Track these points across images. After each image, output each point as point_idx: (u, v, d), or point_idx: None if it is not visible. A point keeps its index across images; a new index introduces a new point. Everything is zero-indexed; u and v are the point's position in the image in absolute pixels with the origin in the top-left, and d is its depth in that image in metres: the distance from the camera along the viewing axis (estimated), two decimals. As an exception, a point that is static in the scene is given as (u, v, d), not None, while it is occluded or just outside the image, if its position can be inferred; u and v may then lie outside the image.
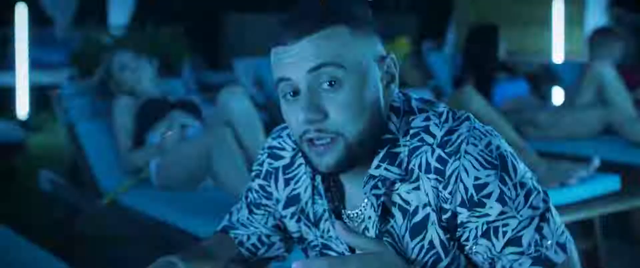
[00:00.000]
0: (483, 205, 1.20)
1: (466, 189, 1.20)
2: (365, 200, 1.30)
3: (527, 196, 1.21)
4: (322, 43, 1.20)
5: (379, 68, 1.26)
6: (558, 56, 8.02)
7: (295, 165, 1.40)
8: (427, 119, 1.26)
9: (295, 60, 1.20)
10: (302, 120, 1.20)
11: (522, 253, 1.21)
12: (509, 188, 1.20)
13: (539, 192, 1.23)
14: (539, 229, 1.21)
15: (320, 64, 1.19)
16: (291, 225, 1.43)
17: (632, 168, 3.65)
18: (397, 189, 1.26)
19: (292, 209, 1.41)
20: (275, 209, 1.45)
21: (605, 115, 4.21)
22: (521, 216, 1.20)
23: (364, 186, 1.26)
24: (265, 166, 1.44)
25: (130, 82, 3.62)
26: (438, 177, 1.22)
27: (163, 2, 11.57)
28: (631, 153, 3.96)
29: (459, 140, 1.21)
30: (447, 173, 1.21)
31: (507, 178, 1.20)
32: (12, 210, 4.42)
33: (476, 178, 1.19)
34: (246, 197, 1.51)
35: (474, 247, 1.24)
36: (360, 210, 1.32)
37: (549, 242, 1.21)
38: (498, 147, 1.22)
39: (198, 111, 3.58)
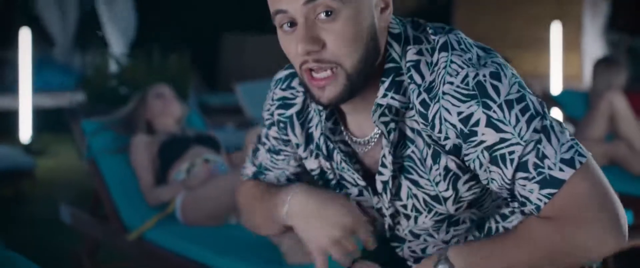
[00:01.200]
0: (475, 133, 1.23)
1: (454, 126, 1.24)
2: (376, 128, 1.34)
3: (527, 117, 1.21)
4: None
5: None
6: (557, 81, 8.11)
7: (306, 108, 1.44)
8: (420, 53, 1.29)
9: None
10: (300, 51, 1.24)
11: (527, 179, 1.22)
12: (494, 111, 1.21)
13: (536, 111, 1.23)
14: (538, 151, 1.21)
15: None
16: (311, 163, 1.47)
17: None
18: (413, 116, 1.30)
19: (310, 147, 1.45)
20: (296, 152, 1.49)
21: (610, 150, 4.21)
22: (525, 141, 1.21)
23: (373, 115, 1.30)
24: (276, 116, 1.47)
25: (158, 111, 3.67)
26: (423, 122, 1.27)
27: (162, 22, 11.62)
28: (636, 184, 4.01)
29: (438, 82, 1.25)
30: (430, 117, 1.26)
31: (489, 102, 1.21)
32: (24, 238, 4.42)
33: (459, 113, 1.23)
34: (263, 144, 1.54)
35: (489, 176, 1.27)
36: (371, 137, 1.36)
37: (551, 161, 1.21)
38: (475, 76, 1.22)
39: (217, 145, 3.64)
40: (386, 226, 1.46)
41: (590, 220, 1.21)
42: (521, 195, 1.24)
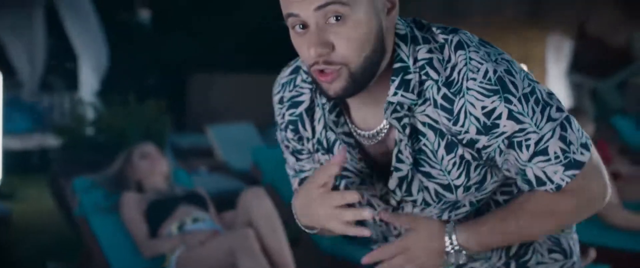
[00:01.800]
0: (497, 126, 1.32)
1: (478, 119, 1.32)
2: (384, 122, 1.41)
3: (541, 108, 1.33)
4: None
5: None
6: None
7: (313, 103, 1.51)
8: (430, 51, 1.36)
9: None
10: (312, 54, 1.31)
11: (549, 161, 1.36)
12: (515, 105, 1.31)
13: (545, 101, 1.35)
14: (562, 138, 1.35)
15: (325, 3, 1.29)
16: (320, 157, 1.54)
17: (619, 253, 3.77)
18: (424, 111, 1.37)
19: (312, 141, 1.53)
20: (309, 148, 1.56)
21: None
22: (542, 131, 1.33)
23: (385, 112, 1.37)
24: (288, 117, 1.54)
25: (145, 172, 3.69)
26: (447, 115, 1.34)
27: (131, 62, 11.60)
28: (610, 236, 4.09)
29: (460, 78, 1.32)
30: (455, 110, 1.33)
31: (510, 96, 1.31)
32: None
33: (483, 108, 1.32)
34: (286, 147, 1.60)
35: (504, 159, 1.38)
36: (379, 131, 1.43)
37: (575, 147, 1.36)
38: (495, 71, 1.31)
39: (205, 203, 3.67)
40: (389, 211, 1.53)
41: (599, 184, 1.43)
42: (537, 175, 1.38)
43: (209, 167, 8.13)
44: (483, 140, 1.34)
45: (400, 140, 1.40)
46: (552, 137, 1.34)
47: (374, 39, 1.33)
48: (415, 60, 1.37)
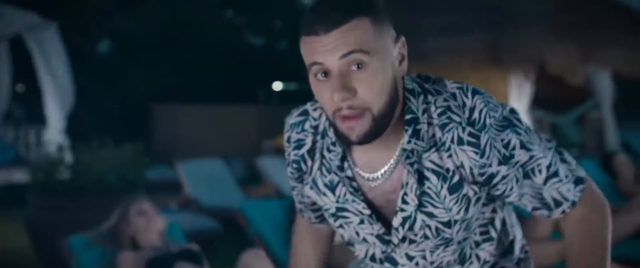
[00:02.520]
0: (513, 156, 1.49)
1: (499, 151, 1.48)
2: (388, 165, 1.53)
3: (539, 138, 1.54)
4: (350, 33, 1.40)
5: (394, 48, 1.47)
6: None
7: (314, 145, 1.63)
8: (446, 100, 1.50)
9: (327, 49, 1.40)
10: (337, 99, 1.40)
11: (561, 181, 1.53)
12: (523, 136, 1.49)
13: (537, 132, 1.55)
14: (563, 160, 1.55)
15: (349, 51, 1.39)
16: (308, 192, 1.67)
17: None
18: (429, 157, 1.51)
19: (310, 178, 1.65)
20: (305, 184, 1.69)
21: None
22: (548, 157, 1.52)
23: (399, 158, 1.51)
24: (292, 157, 1.66)
25: (141, 228, 3.74)
26: (474, 149, 1.48)
27: (93, 94, 11.59)
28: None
29: (482, 117, 1.47)
30: (482, 144, 1.47)
31: (519, 129, 1.49)
32: None
33: (502, 141, 1.48)
34: (290, 179, 1.73)
35: (521, 190, 1.54)
36: (383, 173, 1.55)
37: (573, 165, 1.56)
38: (505, 110, 1.51)
39: (200, 259, 3.73)
40: (381, 250, 1.65)
41: (595, 187, 1.61)
42: (554, 197, 1.55)
43: (179, 203, 8.16)
44: (503, 170, 1.50)
45: (407, 183, 1.52)
46: (557, 160, 1.54)
47: (390, 86, 1.45)
48: (424, 112, 1.50)
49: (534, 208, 1.57)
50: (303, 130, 1.64)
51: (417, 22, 8.43)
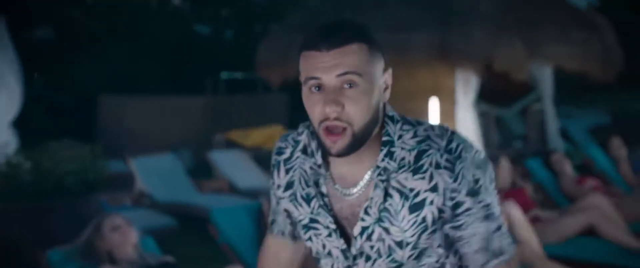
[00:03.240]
0: (479, 193, 1.66)
1: (468, 183, 1.65)
2: (363, 181, 1.69)
3: (493, 185, 1.71)
4: (349, 55, 1.59)
5: (382, 76, 1.66)
6: None
7: (293, 158, 1.80)
8: (426, 130, 1.69)
9: (326, 66, 1.58)
10: (328, 110, 1.58)
11: (503, 236, 1.71)
12: (489, 182, 1.69)
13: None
14: (500, 212, 1.72)
15: (346, 72, 1.58)
16: (285, 204, 1.81)
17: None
18: (397, 177, 1.67)
19: (289, 192, 1.80)
20: (277, 194, 1.84)
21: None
22: (496, 205, 1.70)
23: (373, 174, 1.67)
24: (273, 161, 1.84)
25: (117, 243, 3.79)
26: (449, 173, 1.64)
27: (40, 84, 11.44)
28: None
29: (459, 149, 1.66)
30: (456, 171, 1.64)
31: (488, 174, 1.68)
32: None
33: (473, 175, 1.65)
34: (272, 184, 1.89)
35: (475, 229, 1.69)
36: (357, 190, 1.70)
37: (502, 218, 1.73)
38: (479, 153, 1.69)
39: None
40: (344, 266, 1.77)
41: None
42: (497, 247, 1.71)
43: (133, 200, 8.17)
44: (468, 202, 1.66)
45: (372, 198, 1.68)
46: (499, 212, 1.72)
47: (374, 109, 1.63)
48: (400, 137, 1.68)
49: (475, 251, 1.72)
50: (285, 140, 1.83)
51: (366, 20, 8.57)
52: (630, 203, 5.82)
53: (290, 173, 1.80)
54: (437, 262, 1.75)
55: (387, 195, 1.67)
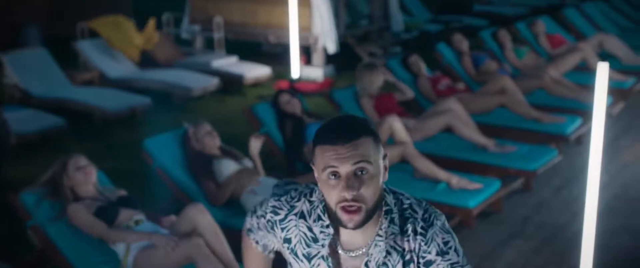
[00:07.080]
0: (448, 252, 1.91)
1: (438, 245, 1.91)
2: (369, 244, 1.93)
3: (461, 250, 1.94)
4: (360, 146, 1.84)
5: (382, 161, 1.91)
6: (293, 32, 9.20)
7: (287, 220, 2.04)
8: (408, 198, 1.97)
9: (343, 157, 1.82)
10: (347, 195, 1.82)
11: None
12: (457, 244, 1.93)
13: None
14: None
15: (359, 161, 1.83)
16: (286, 254, 2.10)
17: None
18: (394, 238, 1.93)
19: (287, 245, 2.06)
20: (276, 239, 2.12)
21: (399, 150, 5.32)
22: (466, 263, 1.93)
23: (376, 237, 1.93)
24: (268, 217, 2.08)
25: (80, 182, 4.15)
26: (422, 238, 1.92)
27: None
28: (420, 186, 5.15)
29: (431, 218, 1.94)
30: (428, 236, 1.92)
31: (455, 238, 1.93)
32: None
33: (443, 238, 1.92)
34: (257, 216, 2.16)
35: None
36: (363, 250, 1.95)
37: None
38: (446, 223, 1.95)
39: (136, 204, 4.24)
40: None
41: None
42: None
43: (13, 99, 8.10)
44: (438, 260, 1.92)
45: (372, 254, 1.94)
46: None
47: (379, 188, 1.92)
48: (395, 205, 1.96)
49: None
50: (279, 201, 2.08)
51: None
52: (474, 100, 6.95)
53: (285, 232, 2.05)
54: None
55: (387, 253, 1.94)
